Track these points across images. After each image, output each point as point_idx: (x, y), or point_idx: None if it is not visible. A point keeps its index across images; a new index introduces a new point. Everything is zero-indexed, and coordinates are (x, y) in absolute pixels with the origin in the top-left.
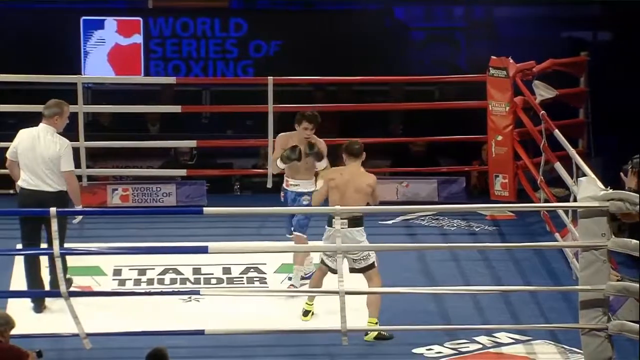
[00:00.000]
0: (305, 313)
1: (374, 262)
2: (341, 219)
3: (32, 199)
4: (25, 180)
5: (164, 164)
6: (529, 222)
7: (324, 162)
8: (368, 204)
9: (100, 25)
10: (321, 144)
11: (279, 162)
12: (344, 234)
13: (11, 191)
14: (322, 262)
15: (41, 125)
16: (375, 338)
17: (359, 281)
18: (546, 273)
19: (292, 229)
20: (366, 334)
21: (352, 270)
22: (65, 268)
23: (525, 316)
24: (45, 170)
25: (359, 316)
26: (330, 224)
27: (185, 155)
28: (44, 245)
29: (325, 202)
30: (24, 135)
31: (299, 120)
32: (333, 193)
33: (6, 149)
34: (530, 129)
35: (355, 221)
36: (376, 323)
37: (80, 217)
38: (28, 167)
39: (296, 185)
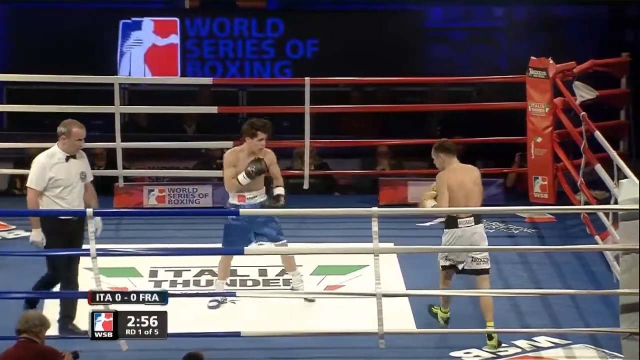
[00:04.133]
0: (446, 321)
1: (489, 267)
2: (466, 217)
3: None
4: None
5: (197, 164)
6: (569, 224)
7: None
8: None
9: (137, 26)
10: (270, 153)
11: (242, 179)
12: (472, 232)
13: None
14: (444, 267)
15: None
16: (498, 343)
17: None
18: (586, 276)
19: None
20: (490, 339)
21: (465, 271)
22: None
23: (565, 320)
24: None
25: (395, 319)
26: (452, 226)
27: (219, 156)
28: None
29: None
30: None
31: (253, 133)
32: (456, 193)
33: (43, 149)
34: (571, 130)
35: (478, 217)
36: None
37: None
38: None
39: (254, 197)
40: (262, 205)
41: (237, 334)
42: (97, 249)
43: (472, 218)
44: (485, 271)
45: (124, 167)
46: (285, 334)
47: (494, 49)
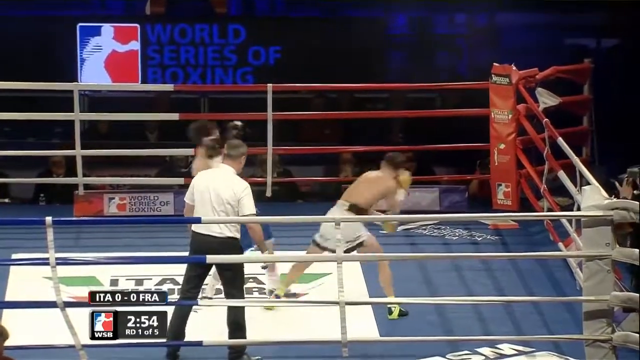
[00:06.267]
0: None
1: (363, 238)
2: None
3: None
4: None
5: (160, 172)
6: (532, 231)
7: None
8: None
9: (97, 31)
10: None
11: None
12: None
13: (6, 200)
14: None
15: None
16: (399, 315)
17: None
18: (549, 283)
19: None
20: (390, 313)
21: (348, 250)
22: None
23: (529, 327)
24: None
25: (358, 327)
26: None
27: (181, 162)
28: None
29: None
30: None
31: (208, 132)
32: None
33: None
34: (534, 137)
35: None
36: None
37: None
38: None
39: None
40: None
41: (199, 343)
42: (57, 258)
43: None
44: (361, 244)
45: (84, 175)
46: (247, 342)
47: (455, 56)
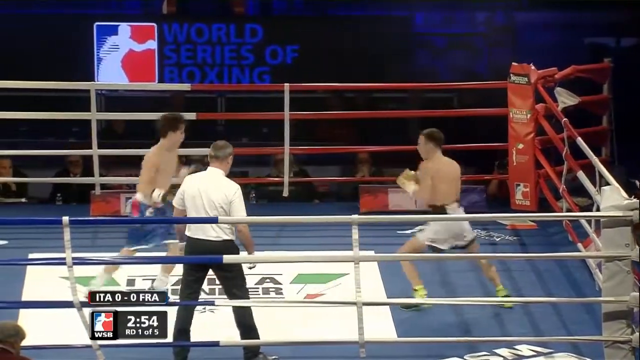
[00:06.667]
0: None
1: (474, 235)
2: (452, 204)
3: None
4: None
5: (176, 172)
6: (551, 232)
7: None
8: None
9: (114, 31)
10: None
11: (156, 197)
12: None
13: (23, 199)
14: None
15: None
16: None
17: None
18: (568, 284)
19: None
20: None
21: (453, 249)
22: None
23: (547, 328)
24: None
25: (375, 328)
26: (440, 213)
27: (196, 162)
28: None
29: None
30: None
31: (176, 125)
32: (440, 185)
33: (15, 157)
34: (552, 137)
35: (459, 202)
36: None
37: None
38: None
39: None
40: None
41: (215, 344)
42: (73, 258)
43: (456, 204)
44: (473, 241)
45: (101, 175)
46: (264, 343)
47: (474, 55)
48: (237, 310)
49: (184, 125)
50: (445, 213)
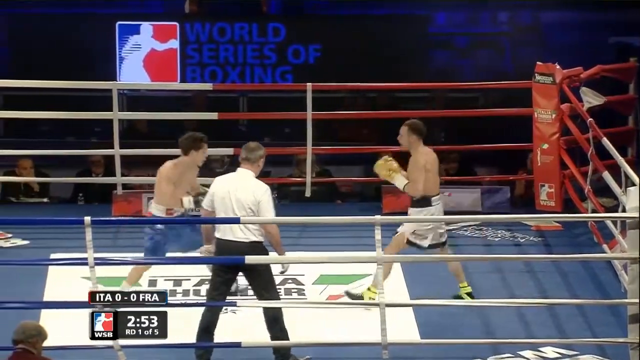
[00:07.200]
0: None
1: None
2: (435, 195)
3: None
4: None
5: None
6: (576, 233)
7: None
8: None
9: (136, 30)
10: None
11: (187, 204)
12: (439, 209)
13: (45, 199)
14: (409, 241)
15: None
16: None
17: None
18: (593, 286)
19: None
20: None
21: (430, 247)
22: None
23: (572, 330)
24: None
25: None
26: (426, 205)
27: (217, 163)
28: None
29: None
30: None
31: (198, 145)
32: (429, 176)
33: (37, 157)
34: (578, 137)
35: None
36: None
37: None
38: None
39: (177, 212)
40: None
41: (237, 345)
42: (95, 258)
43: (439, 195)
44: (446, 241)
45: (123, 175)
46: (285, 344)
47: (498, 55)
48: (267, 313)
49: (206, 145)
50: (430, 204)
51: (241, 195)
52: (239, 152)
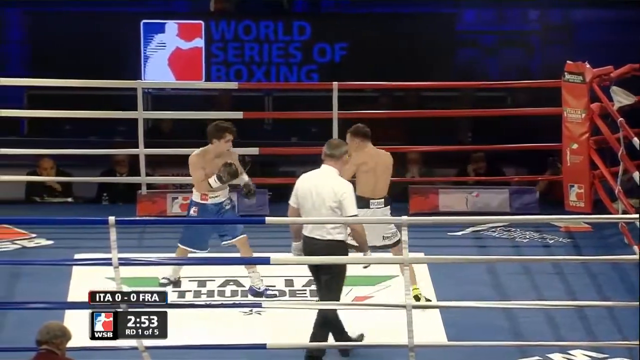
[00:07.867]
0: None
1: (399, 237)
2: (377, 199)
3: None
4: None
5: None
6: (606, 234)
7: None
8: None
9: (161, 28)
10: (235, 154)
11: (213, 183)
12: (382, 213)
13: (69, 199)
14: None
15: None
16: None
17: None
18: (624, 288)
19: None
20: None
21: (377, 248)
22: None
23: (602, 333)
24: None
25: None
26: (364, 206)
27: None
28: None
29: None
30: None
31: (220, 135)
32: (367, 177)
33: (60, 156)
34: (608, 137)
35: (387, 200)
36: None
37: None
38: None
39: (216, 197)
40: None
41: (262, 346)
42: (120, 258)
43: (382, 200)
44: (397, 242)
45: (147, 174)
46: (310, 346)
47: (526, 53)
48: (321, 312)
49: (231, 135)
50: (368, 207)
51: (323, 192)
52: (265, 152)
